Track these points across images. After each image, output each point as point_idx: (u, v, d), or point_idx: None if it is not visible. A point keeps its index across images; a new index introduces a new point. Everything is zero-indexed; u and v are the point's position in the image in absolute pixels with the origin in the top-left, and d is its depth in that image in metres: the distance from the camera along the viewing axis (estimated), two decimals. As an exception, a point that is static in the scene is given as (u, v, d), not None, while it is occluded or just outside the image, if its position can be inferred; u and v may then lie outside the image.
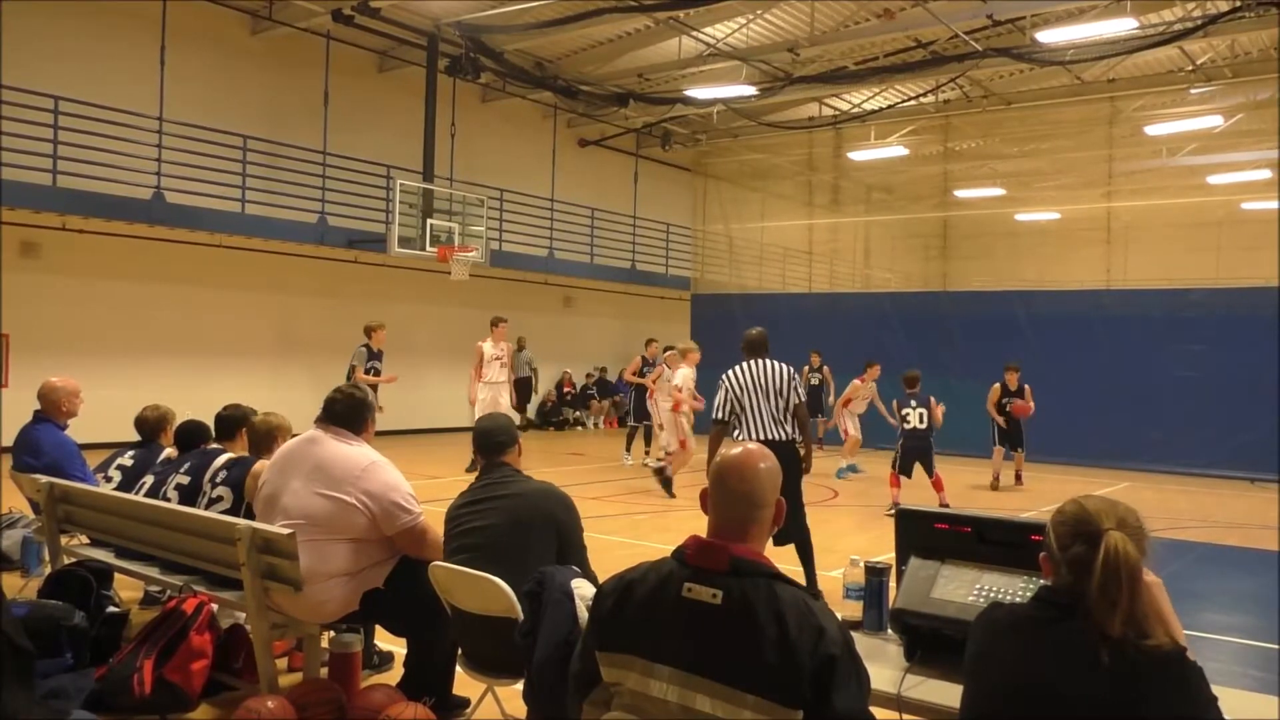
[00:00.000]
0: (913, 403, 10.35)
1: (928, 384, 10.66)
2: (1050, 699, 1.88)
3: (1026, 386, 12.35)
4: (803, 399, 6.23)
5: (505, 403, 12.34)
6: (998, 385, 12.42)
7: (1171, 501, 11.68)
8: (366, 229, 15.44)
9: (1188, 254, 18.67)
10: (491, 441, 3.76)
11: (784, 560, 5.65)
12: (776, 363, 6.21)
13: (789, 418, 6.06)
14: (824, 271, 22.94)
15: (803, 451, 6.16)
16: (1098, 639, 1.84)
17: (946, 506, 9.07)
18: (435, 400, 17.57)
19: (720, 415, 6.09)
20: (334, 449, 3.91)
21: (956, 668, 2.15)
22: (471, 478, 3.87)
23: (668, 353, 13.10)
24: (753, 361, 6.19)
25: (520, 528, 3.50)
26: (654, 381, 13.60)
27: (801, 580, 4.61)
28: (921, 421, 10.23)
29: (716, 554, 2.06)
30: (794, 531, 5.92)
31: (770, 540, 2.21)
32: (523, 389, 17.94)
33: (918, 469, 10.25)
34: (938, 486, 10.10)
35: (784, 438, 5.98)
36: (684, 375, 11.29)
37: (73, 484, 5.12)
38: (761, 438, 5.87)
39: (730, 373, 6.19)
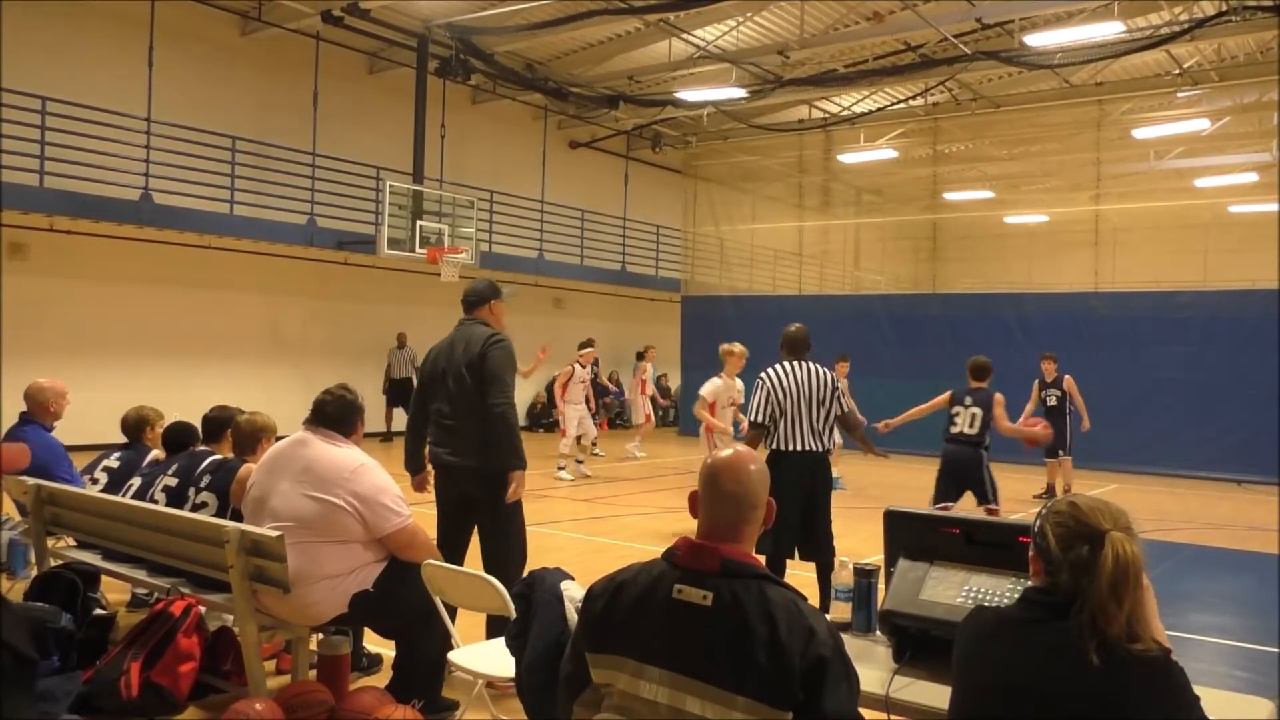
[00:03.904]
0: (968, 399, 7.54)
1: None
2: (1038, 700, 1.88)
3: (1068, 377, 11.26)
4: (844, 410, 5.71)
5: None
6: (1036, 381, 11.45)
7: (1159, 503, 11.73)
8: (356, 230, 15.40)
9: (1175, 256, 18.77)
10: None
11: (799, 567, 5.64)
12: (820, 367, 5.62)
13: (827, 430, 5.56)
14: (814, 273, 22.96)
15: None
16: (1088, 640, 1.85)
17: None
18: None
19: (760, 419, 5.49)
20: (323, 451, 3.91)
21: (945, 669, 2.15)
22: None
23: (584, 350, 13.10)
24: (795, 363, 5.57)
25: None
26: (644, 379, 14.23)
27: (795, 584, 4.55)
28: (972, 425, 7.45)
29: (707, 555, 2.06)
30: (821, 550, 5.47)
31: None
32: (401, 391, 16.00)
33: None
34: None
35: (821, 450, 5.52)
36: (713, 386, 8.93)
37: (59, 486, 5.09)
38: (799, 449, 5.46)
39: (771, 373, 5.55)
